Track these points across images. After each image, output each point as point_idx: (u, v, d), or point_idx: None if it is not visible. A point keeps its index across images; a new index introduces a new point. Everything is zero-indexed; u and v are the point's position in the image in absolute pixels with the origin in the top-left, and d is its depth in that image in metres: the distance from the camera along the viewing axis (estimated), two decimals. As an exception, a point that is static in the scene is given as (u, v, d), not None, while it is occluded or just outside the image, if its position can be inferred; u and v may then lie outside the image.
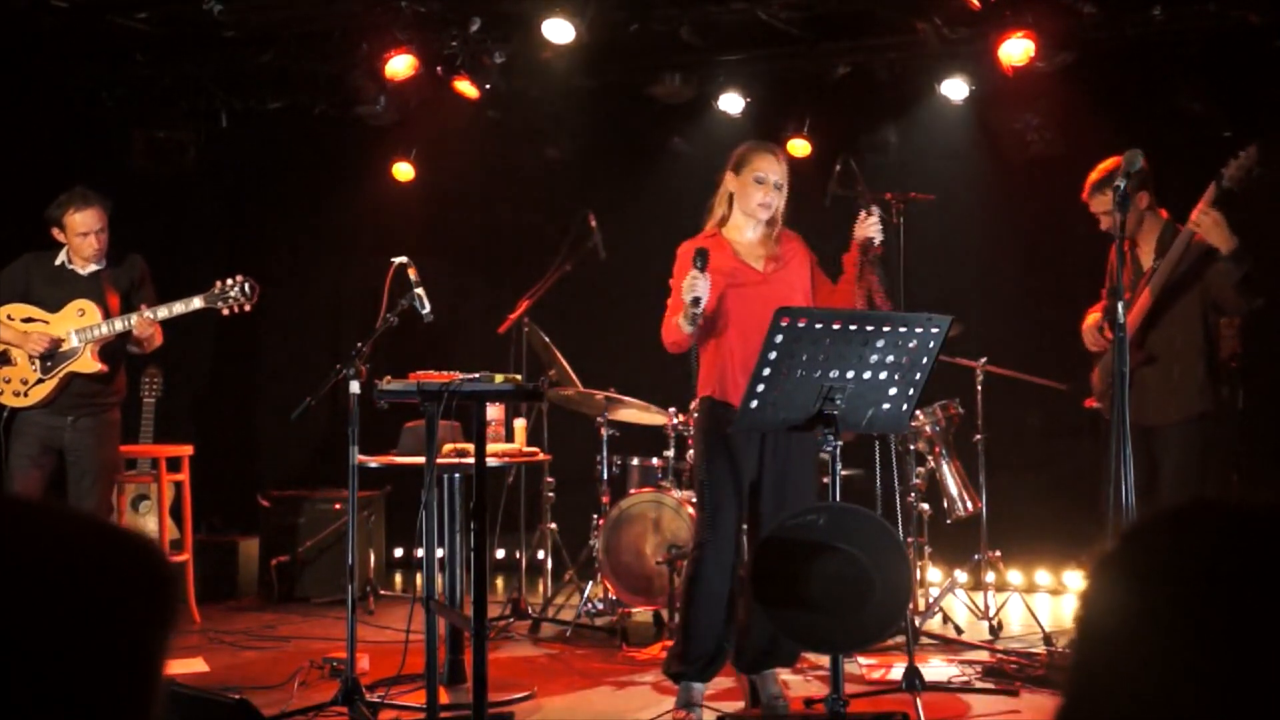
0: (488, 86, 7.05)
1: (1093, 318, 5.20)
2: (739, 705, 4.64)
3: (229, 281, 5.43)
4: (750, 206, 4.49)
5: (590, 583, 6.27)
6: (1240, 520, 0.85)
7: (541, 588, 6.86)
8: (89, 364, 5.47)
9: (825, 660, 4.70)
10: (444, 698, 4.66)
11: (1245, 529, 0.84)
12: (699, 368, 4.62)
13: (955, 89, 7.08)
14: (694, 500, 5.12)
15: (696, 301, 4.23)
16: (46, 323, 5.50)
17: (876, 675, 5.09)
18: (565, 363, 6.10)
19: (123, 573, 0.91)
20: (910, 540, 5.96)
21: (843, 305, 4.39)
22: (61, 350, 5.47)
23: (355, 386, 4.44)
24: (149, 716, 0.90)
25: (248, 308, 5.46)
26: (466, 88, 7.01)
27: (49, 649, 0.85)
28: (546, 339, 6.10)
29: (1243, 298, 4.84)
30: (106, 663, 0.88)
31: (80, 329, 5.47)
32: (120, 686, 0.89)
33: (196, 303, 5.44)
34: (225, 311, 5.45)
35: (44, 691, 0.84)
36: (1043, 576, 7.23)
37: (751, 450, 4.38)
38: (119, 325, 5.47)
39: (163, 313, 5.46)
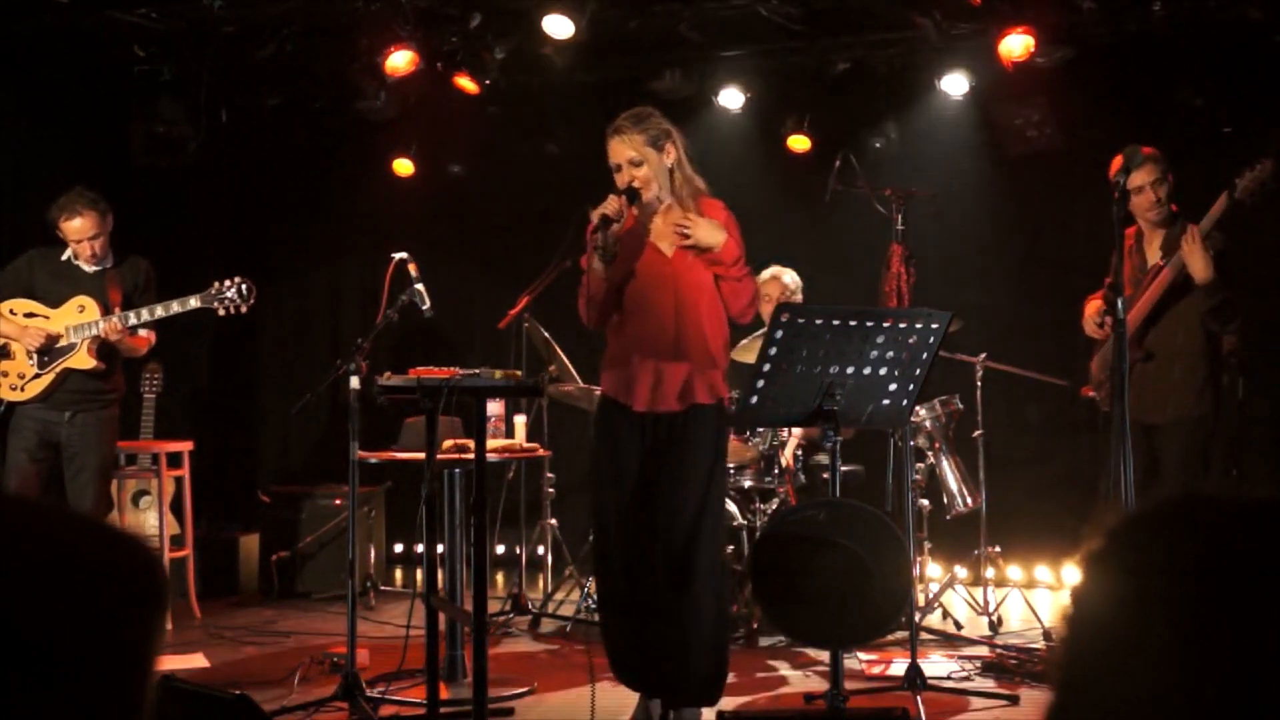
0: (488, 82, 7.05)
1: (1094, 305, 5.20)
2: (739, 702, 4.63)
3: (226, 282, 5.42)
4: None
5: (590, 578, 6.27)
6: (1227, 515, 0.85)
7: (541, 583, 6.86)
8: (85, 360, 5.47)
9: (825, 656, 4.71)
10: (444, 693, 4.66)
11: (1232, 524, 0.85)
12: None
13: (955, 84, 7.08)
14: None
15: (606, 221, 3.95)
16: (47, 318, 5.51)
17: (876, 671, 5.09)
18: (565, 358, 6.10)
19: (110, 567, 0.91)
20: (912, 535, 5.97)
21: (729, 296, 4.13)
22: (58, 346, 5.47)
23: (355, 382, 4.44)
24: (141, 711, 0.91)
25: (244, 309, 5.46)
26: (466, 83, 7.00)
27: (40, 645, 0.85)
28: (546, 335, 6.09)
29: (1216, 324, 4.86)
30: (97, 657, 0.88)
31: (77, 325, 5.47)
32: (112, 681, 0.89)
33: (193, 302, 5.44)
34: (221, 312, 5.44)
35: (36, 688, 0.85)
36: (1042, 572, 7.23)
37: (635, 447, 4.09)
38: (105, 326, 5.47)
39: (159, 311, 5.46)
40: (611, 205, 4.01)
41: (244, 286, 5.42)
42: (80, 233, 5.49)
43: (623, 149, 4.13)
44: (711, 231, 4.06)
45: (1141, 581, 0.84)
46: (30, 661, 0.84)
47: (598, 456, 4.24)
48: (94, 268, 5.59)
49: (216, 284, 5.43)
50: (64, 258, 5.61)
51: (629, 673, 4.17)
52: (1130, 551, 0.87)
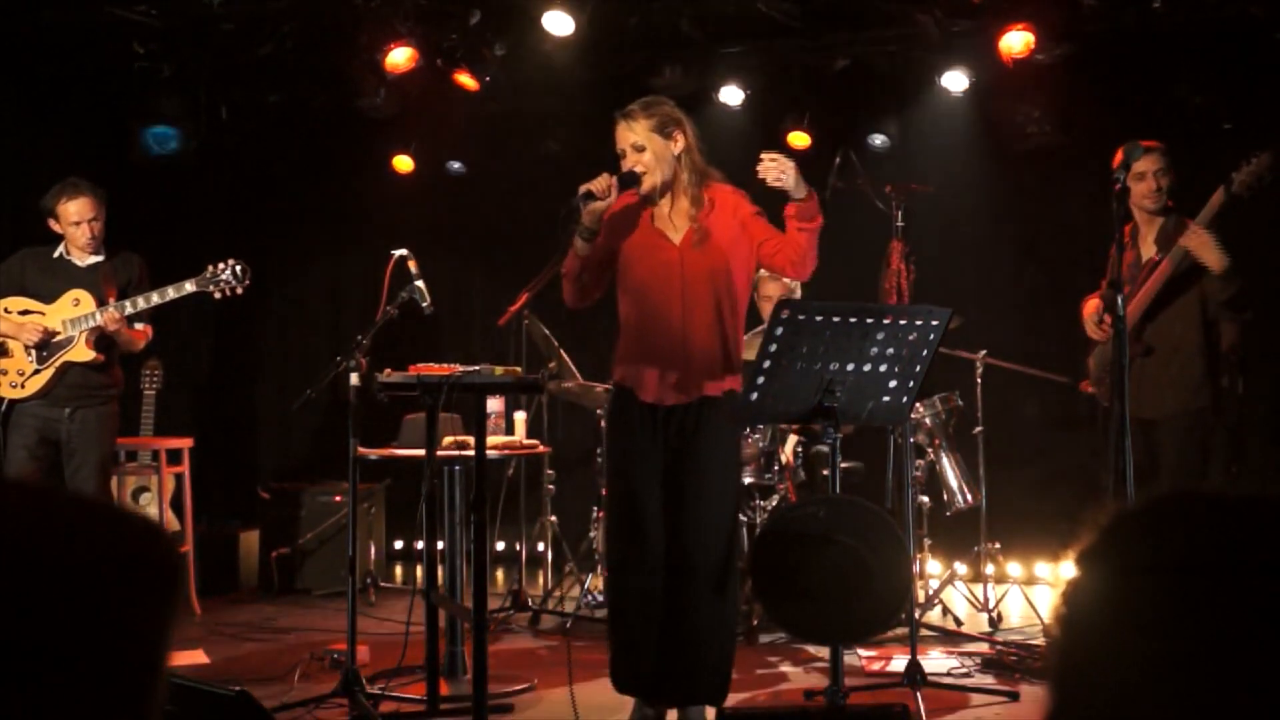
0: (488, 79, 7.05)
1: (1093, 304, 5.20)
2: (739, 699, 4.63)
3: (220, 265, 5.43)
4: None
5: (590, 574, 6.28)
6: (1216, 512, 0.85)
7: (541, 580, 6.86)
8: (84, 353, 5.48)
9: (825, 652, 4.71)
10: (444, 689, 4.67)
11: (1221, 521, 0.85)
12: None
13: (955, 81, 7.07)
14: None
15: (589, 196, 3.89)
16: (42, 314, 5.51)
17: (876, 667, 5.09)
18: (565, 355, 6.10)
19: (126, 554, 0.91)
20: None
21: (794, 251, 4.01)
22: (56, 340, 5.48)
23: (355, 379, 4.44)
24: (154, 698, 0.91)
25: (239, 290, 5.46)
26: (466, 80, 7.00)
27: (53, 633, 0.85)
28: (546, 331, 6.09)
29: (1232, 312, 4.86)
30: (110, 645, 0.88)
31: (73, 319, 5.48)
32: (125, 668, 0.89)
33: (188, 287, 5.45)
34: (217, 295, 5.45)
35: (49, 676, 0.84)
36: (1042, 569, 7.24)
37: (645, 439, 4.02)
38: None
39: (155, 299, 5.47)
40: (599, 183, 3.97)
41: (238, 268, 5.42)
42: (80, 213, 5.50)
43: (628, 133, 4.10)
44: (800, 180, 3.95)
45: (1132, 579, 0.84)
46: (40, 651, 0.84)
47: (610, 447, 4.21)
48: (87, 261, 5.59)
49: (211, 267, 5.43)
50: (55, 254, 5.62)
51: (633, 673, 4.10)
52: (1121, 549, 0.87)
